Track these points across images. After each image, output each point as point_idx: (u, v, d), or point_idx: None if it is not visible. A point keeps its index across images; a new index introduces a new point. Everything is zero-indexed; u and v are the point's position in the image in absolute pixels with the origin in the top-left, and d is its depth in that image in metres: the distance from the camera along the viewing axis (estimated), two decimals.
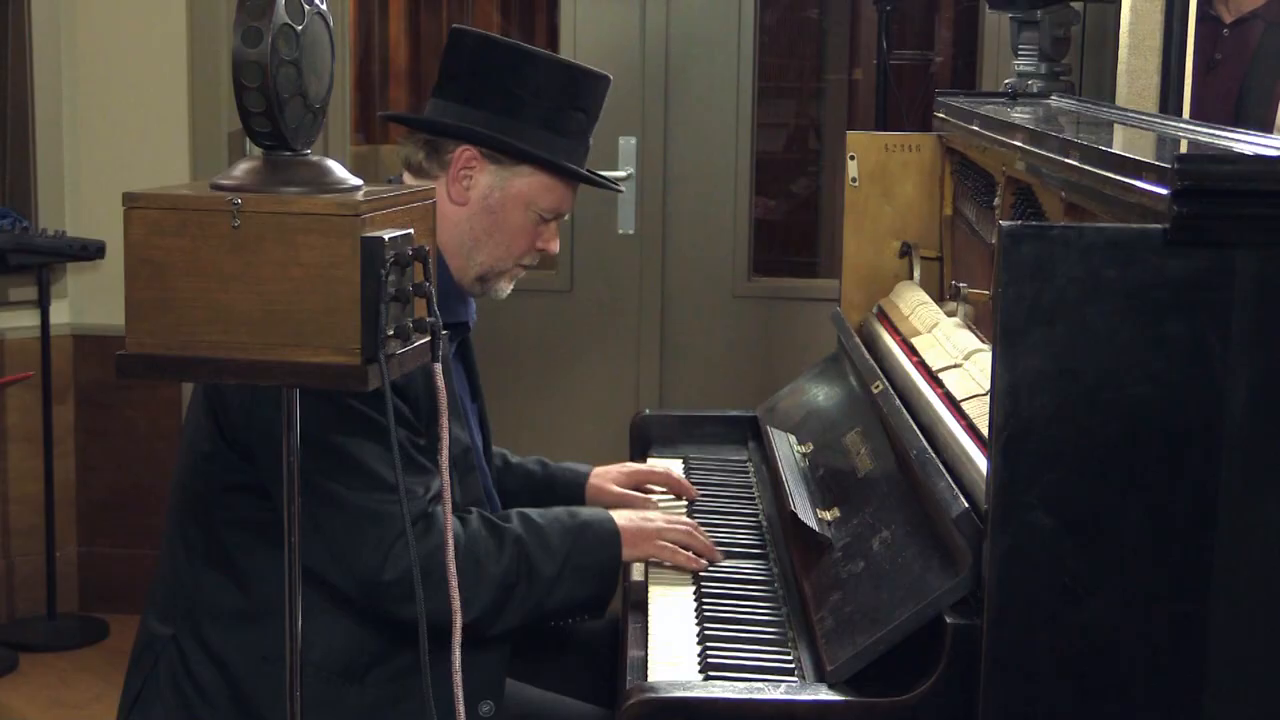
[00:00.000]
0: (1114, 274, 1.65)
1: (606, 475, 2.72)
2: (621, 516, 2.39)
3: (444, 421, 1.71)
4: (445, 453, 1.71)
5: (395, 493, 2.14)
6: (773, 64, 5.14)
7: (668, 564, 2.36)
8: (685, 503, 2.70)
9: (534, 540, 2.27)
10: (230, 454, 2.21)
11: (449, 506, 1.72)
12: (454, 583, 1.71)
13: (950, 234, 2.99)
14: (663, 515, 2.46)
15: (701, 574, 2.35)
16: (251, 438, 2.18)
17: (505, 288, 2.46)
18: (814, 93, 5.38)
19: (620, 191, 2.65)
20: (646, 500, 2.66)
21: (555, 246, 2.46)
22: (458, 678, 1.71)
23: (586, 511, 2.39)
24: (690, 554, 2.36)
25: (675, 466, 2.90)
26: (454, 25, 2.45)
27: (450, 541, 1.70)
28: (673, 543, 2.37)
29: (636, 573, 2.39)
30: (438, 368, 1.69)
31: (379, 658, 2.23)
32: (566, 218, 2.50)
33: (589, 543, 2.31)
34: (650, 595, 2.28)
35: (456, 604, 1.71)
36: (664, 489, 2.73)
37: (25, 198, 4.44)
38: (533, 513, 2.33)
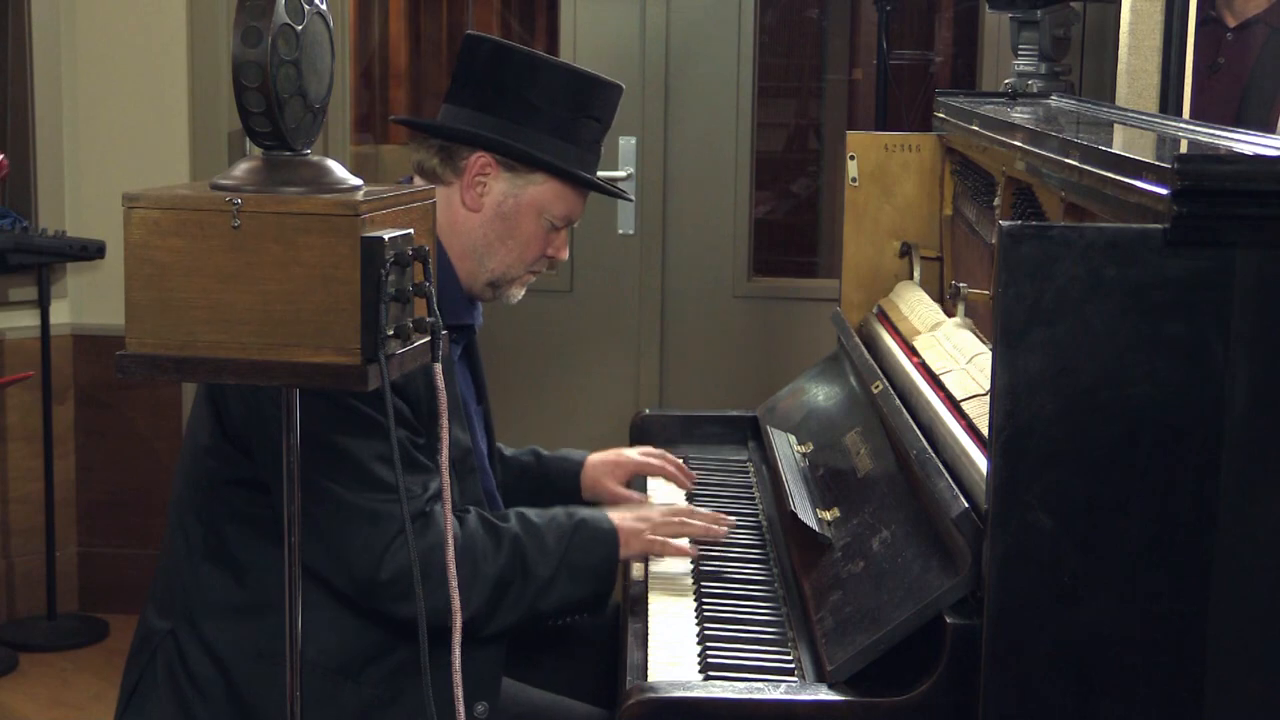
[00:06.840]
0: (1114, 274, 1.65)
1: (602, 466, 2.73)
2: (618, 515, 2.39)
3: (444, 422, 1.71)
4: (445, 452, 1.71)
5: (392, 492, 2.15)
6: (773, 64, 5.14)
7: (666, 555, 2.38)
8: (682, 493, 2.72)
9: (531, 541, 2.28)
10: (231, 449, 2.21)
11: (449, 506, 1.72)
12: (454, 583, 1.72)
13: (950, 234, 2.99)
14: (659, 509, 2.46)
15: (701, 574, 2.35)
16: (251, 433, 2.18)
17: (517, 293, 2.47)
18: (814, 93, 5.38)
19: (630, 200, 2.65)
20: (643, 499, 2.67)
21: (565, 254, 2.48)
22: (458, 677, 1.71)
23: (584, 511, 2.38)
24: (685, 544, 2.38)
25: None
26: (468, 32, 2.45)
27: (450, 541, 1.70)
28: (669, 536, 2.38)
29: (636, 572, 2.39)
30: (438, 368, 1.69)
31: (375, 655, 2.23)
32: (576, 225, 2.51)
33: (585, 541, 2.31)
34: (650, 595, 2.28)
35: (456, 604, 1.71)
36: (662, 476, 2.75)
37: (25, 198, 4.43)
38: (531, 513, 2.33)
